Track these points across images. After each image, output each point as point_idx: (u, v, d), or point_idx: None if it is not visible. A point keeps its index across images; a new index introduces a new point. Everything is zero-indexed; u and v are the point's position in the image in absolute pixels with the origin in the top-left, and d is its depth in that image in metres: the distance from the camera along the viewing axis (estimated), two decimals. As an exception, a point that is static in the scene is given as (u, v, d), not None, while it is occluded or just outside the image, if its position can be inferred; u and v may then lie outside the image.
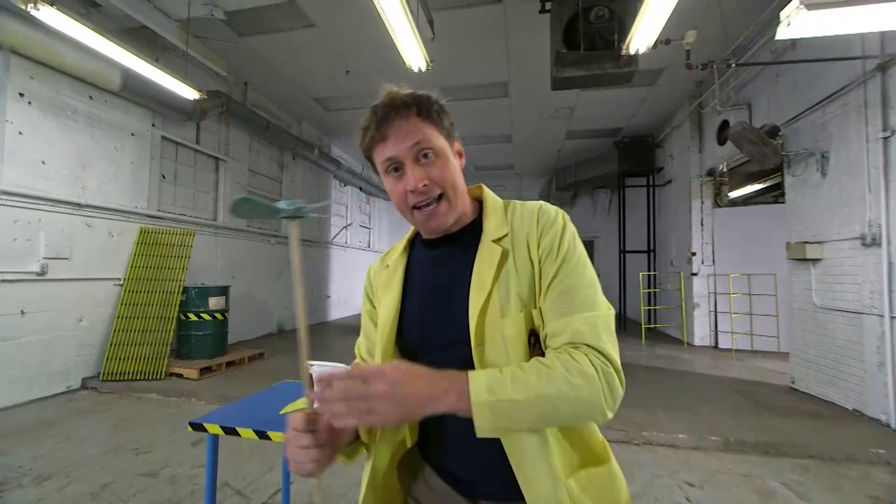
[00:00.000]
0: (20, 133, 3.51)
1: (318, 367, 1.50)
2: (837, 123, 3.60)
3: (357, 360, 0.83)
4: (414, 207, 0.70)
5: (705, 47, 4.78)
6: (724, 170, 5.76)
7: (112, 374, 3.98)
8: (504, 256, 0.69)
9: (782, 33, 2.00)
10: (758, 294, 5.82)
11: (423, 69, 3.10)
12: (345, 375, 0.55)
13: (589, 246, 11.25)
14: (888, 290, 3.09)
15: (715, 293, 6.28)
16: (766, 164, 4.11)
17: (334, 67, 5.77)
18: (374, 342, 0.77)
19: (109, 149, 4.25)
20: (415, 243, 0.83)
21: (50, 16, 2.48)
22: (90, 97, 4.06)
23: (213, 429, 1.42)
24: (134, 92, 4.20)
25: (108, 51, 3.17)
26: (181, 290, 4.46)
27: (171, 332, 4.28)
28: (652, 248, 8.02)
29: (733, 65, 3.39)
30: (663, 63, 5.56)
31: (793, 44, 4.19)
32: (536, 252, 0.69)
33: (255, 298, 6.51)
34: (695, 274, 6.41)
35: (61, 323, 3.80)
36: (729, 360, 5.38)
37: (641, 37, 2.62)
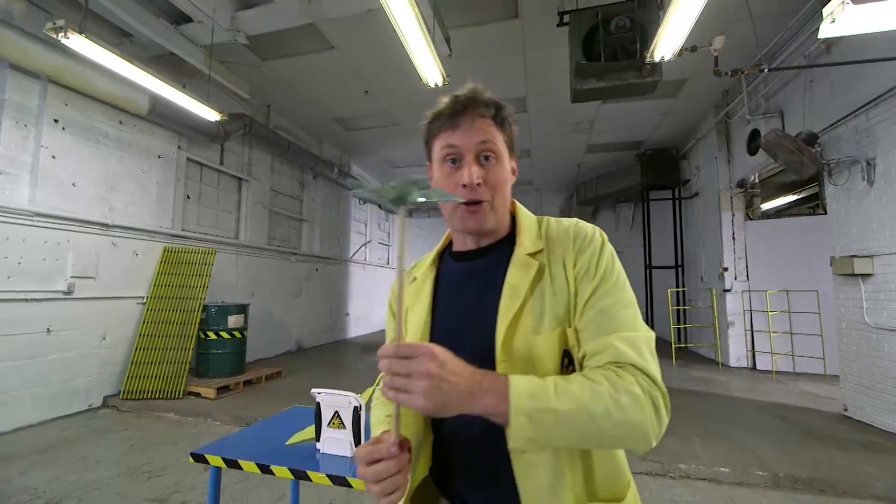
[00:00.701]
0: (53, 157, 3.65)
1: (325, 395, 1.37)
2: (885, 128, 3.36)
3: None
4: (460, 202, 0.69)
5: (731, 55, 4.62)
6: (756, 180, 5.49)
7: (132, 392, 3.99)
8: (540, 271, 0.67)
9: (826, 31, 1.86)
10: (798, 312, 5.44)
11: (440, 84, 3.08)
12: (392, 351, 0.53)
13: (612, 261, 10.92)
14: (954, 308, 2.79)
15: (750, 311, 5.92)
16: (803, 174, 3.87)
17: (353, 88, 5.86)
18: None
19: (137, 171, 4.38)
20: (444, 257, 0.81)
21: (79, 44, 2.58)
22: (120, 122, 4.21)
23: (215, 460, 1.33)
24: (161, 116, 4.34)
25: (137, 77, 3.29)
26: (201, 308, 4.49)
27: (191, 351, 4.28)
28: (680, 263, 7.69)
29: (766, 70, 3.22)
30: (686, 73, 5.41)
31: (827, 47, 3.99)
32: (573, 270, 0.66)
33: (273, 316, 6.53)
34: (727, 290, 6.07)
35: (85, 341, 3.86)
36: (769, 383, 5.00)
37: (666, 44, 2.51)
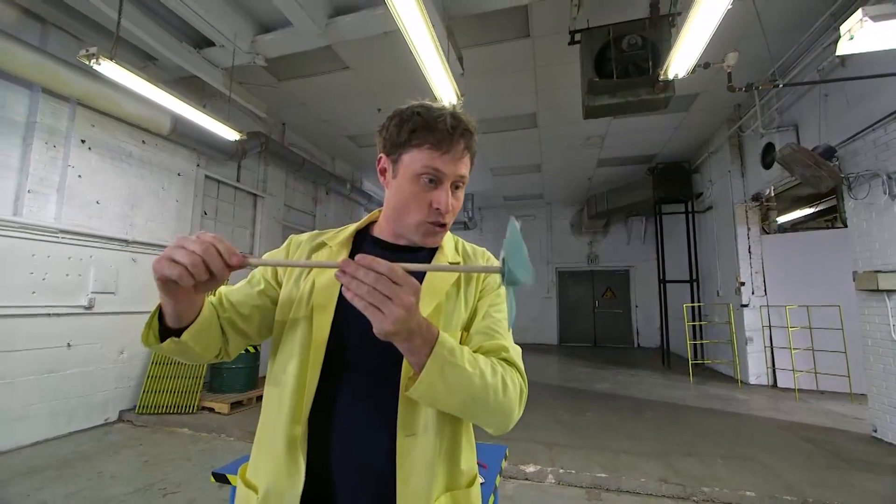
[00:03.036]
0: (79, 176, 3.77)
1: None
2: (903, 142, 3.31)
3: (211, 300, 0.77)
4: (429, 221, 0.74)
5: (745, 70, 4.63)
6: (772, 194, 5.42)
7: (147, 407, 4.02)
8: (457, 280, 0.76)
9: (844, 48, 1.86)
10: (820, 328, 5.30)
11: (454, 103, 3.14)
12: (386, 269, 0.54)
13: (624, 276, 10.81)
14: None
15: (770, 326, 5.77)
16: (822, 188, 3.82)
17: (366, 106, 5.98)
18: (311, 337, 0.71)
19: (157, 188, 4.50)
20: (363, 239, 0.83)
21: (110, 69, 2.69)
22: (143, 141, 4.34)
23: (236, 480, 1.33)
24: (182, 135, 4.48)
25: (161, 100, 3.40)
26: (216, 323, 4.52)
27: (205, 366, 4.31)
28: (695, 277, 7.57)
29: (780, 85, 3.22)
30: (699, 88, 5.42)
31: (842, 61, 3.98)
32: (480, 286, 0.78)
33: (286, 331, 6.56)
34: (745, 305, 5.95)
35: (104, 355, 3.91)
36: (792, 402, 4.85)
37: (680, 61, 2.53)
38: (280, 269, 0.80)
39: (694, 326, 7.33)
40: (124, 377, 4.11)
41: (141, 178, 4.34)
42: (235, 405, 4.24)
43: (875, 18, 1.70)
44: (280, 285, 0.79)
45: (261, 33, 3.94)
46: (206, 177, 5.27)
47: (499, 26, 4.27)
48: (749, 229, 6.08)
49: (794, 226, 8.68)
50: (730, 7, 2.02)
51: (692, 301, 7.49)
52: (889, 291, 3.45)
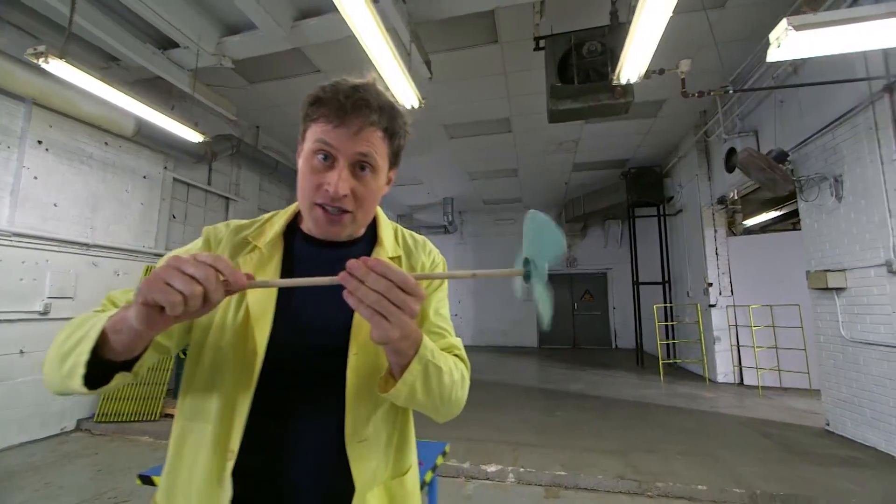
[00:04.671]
0: (35, 178, 3.67)
1: None
2: (849, 146, 3.47)
3: (105, 303, 0.67)
4: (317, 203, 0.65)
5: (707, 77, 4.79)
6: (735, 197, 5.60)
7: (107, 414, 3.91)
8: None
9: (773, 55, 1.95)
10: (783, 326, 5.47)
11: (416, 107, 3.16)
12: (400, 279, 0.50)
13: (602, 278, 10.98)
14: (923, 321, 2.83)
15: (736, 326, 5.94)
16: (777, 191, 3.97)
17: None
18: (252, 341, 0.63)
19: (120, 191, 4.41)
20: (294, 234, 0.74)
21: (60, 68, 2.64)
22: (105, 143, 4.25)
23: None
24: (147, 137, 4.40)
25: (118, 100, 3.33)
26: (182, 328, 4.44)
27: (169, 372, 4.22)
28: (667, 279, 7.75)
29: (731, 91, 3.34)
30: (664, 94, 5.57)
31: (795, 69, 4.15)
32: (427, 284, 0.75)
33: (260, 336, 6.46)
34: (712, 305, 6.10)
35: (60, 363, 3.79)
36: (755, 399, 4.98)
37: (631, 67, 2.61)
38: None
39: (666, 327, 7.49)
40: (83, 385, 3.98)
41: (102, 180, 4.24)
42: (200, 412, 4.15)
43: (798, 28, 1.79)
44: None
45: (226, 35, 3.91)
46: (175, 179, 5.18)
47: (467, 32, 4.33)
48: (716, 231, 6.26)
49: (764, 228, 8.96)
50: (671, 15, 2.10)
51: (664, 302, 7.66)
52: (838, 290, 3.59)
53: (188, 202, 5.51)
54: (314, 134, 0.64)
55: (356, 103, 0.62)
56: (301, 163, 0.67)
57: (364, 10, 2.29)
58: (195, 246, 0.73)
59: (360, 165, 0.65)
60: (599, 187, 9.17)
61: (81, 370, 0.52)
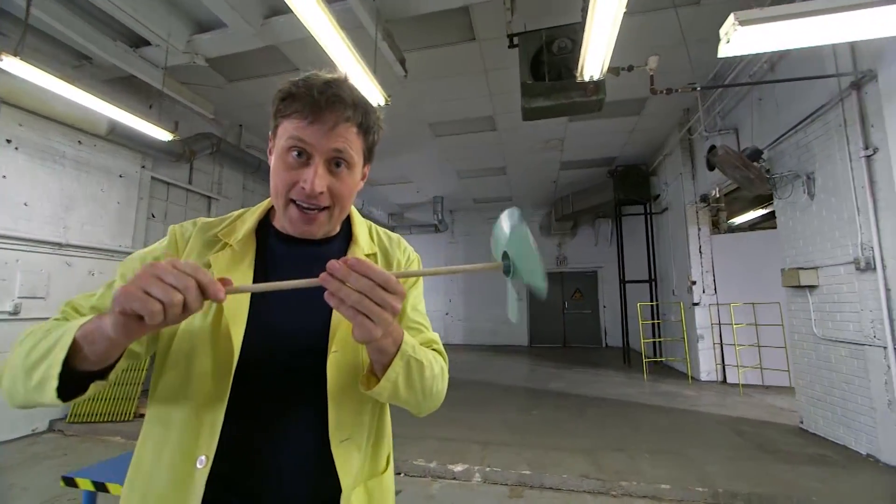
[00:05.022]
0: (4, 177, 3.64)
1: None
2: (820, 143, 3.46)
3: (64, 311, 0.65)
4: (292, 200, 0.64)
5: (686, 75, 4.77)
6: (717, 195, 5.58)
7: (80, 415, 3.89)
8: None
9: (723, 51, 1.93)
10: (765, 324, 5.47)
11: (382, 104, 3.15)
12: (382, 279, 0.50)
13: (592, 277, 10.97)
14: (888, 318, 2.82)
15: (719, 324, 5.93)
16: (752, 189, 3.96)
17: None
18: (220, 341, 0.62)
19: (95, 190, 4.38)
20: (266, 232, 0.72)
21: (14, 66, 2.61)
22: (79, 142, 4.23)
23: (85, 484, 1.30)
24: (122, 136, 4.37)
25: (81, 99, 3.30)
26: (158, 327, 4.42)
27: (144, 371, 4.20)
28: (653, 277, 7.74)
29: (698, 88, 3.33)
30: (646, 92, 5.54)
31: (772, 66, 4.14)
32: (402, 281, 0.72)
33: (244, 335, 6.44)
34: (696, 304, 6.10)
35: (32, 363, 3.77)
36: (736, 397, 4.98)
37: (592, 64, 2.59)
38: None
39: (653, 325, 7.49)
40: (56, 385, 3.96)
41: (76, 179, 4.22)
42: (176, 412, 4.14)
43: (743, 23, 1.77)
44: None
45: (197, 33, 3.88)
46: (154, 178, 5.16)
47: (443, 29, 4.31)
48: (700, 229, 6.25)
49: (753, 226, 8.95)
50: (625, 11, 2.09)
51: (650, 300, 7.66)
52: (810, 287, 3.58)
53: (168, 201, 5.49)
54: (287, 130, 0.63)
55: (330, 99, 0.61)
56: (274, 160, 0.66)
57: (317, 10, 2.27)
58: (160, 246, 0.71)
59: (336, 162, 0.64)
60: (588, 186, 9.16)
61: (54, 382, 0.50)
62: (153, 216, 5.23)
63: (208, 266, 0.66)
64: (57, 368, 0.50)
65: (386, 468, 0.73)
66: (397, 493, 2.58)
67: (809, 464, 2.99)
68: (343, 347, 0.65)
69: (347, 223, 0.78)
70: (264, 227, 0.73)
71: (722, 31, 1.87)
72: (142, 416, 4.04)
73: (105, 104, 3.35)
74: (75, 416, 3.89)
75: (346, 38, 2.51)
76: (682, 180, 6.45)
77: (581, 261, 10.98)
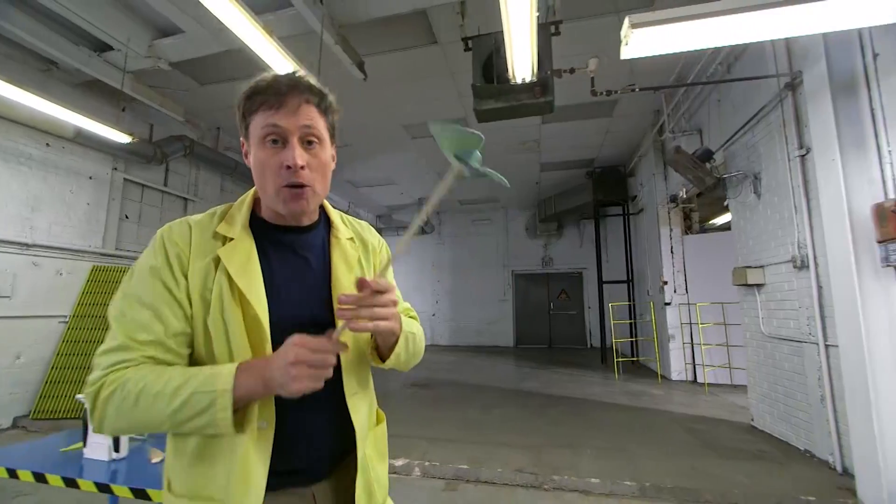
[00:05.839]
0: (-32, 178, 3.74)
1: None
2: (765, 144, 3.51)
3: (145, 345, 0.67)
4: (284, 184, 0.70)
5: (653, 76, 4.82)
6: (684, 195, 5.62)
7: (44, 412, 3.97)
8: (355, 251, 0.85)
9: (624, 53, 1.99)
10: (734, 324, 5.49)
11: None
12: (376, 284, 0.66)
13: (577, 278, 11.00)
14: (819, 315, 2.86)
15: (690, 324, 5.96)
16: (705, 189, 4.00)
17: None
18: (246, 323, 0.68)
19: (64, 192, 4.47)
20: (258, 225, 0.77)
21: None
22: (47, 144, 4.32)
23: (25, 475, 1.37)
24: (91, 139, 4.46)
25: (42, 107, 3.39)
26: (125, 326, 4.50)
27: (109, 369, 4.27)
28: (631, 277, 7.77)
29: (636, 89, 3.38)
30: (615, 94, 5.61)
31: (728, 67, 4.19)
32: (376, 259, 0.89)
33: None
34: (668, 304, 6.13)
35: (-4, 360, 3.86)
36: (700, 396, 5.01)
37: (520, 67, 2.66)
38: (182, 268, 0.70)
39: (631, 325, 7.52)
40: (21, 383, 4.05)
41: (44, 180, 4.31)
42: (139, 409, 4.21)
43: (635, 26, 1.83)
44: (187, 295, 0.69)
45: (158, 38, 3.97)
46: (126, 180, 5.25)
47: (403, 33, 4.38)
48: (671, 230, 6.28)
49: (728, 227, 8.98)
50: (537, 15, 2.15)
51: (628, 300, 7.69)
52: (758, 286, 3.62)
53: (143, 202, 5.58)
54: (259, 122, 0.69)
55: (289, 86, 0.69)
56: (253, 154, 0.71)
57: (245, 22, 2.35)
58: (151, 256, 0.71)
59: (308, 140, 0.71)
60: (569, 187, 9.21)
61: (227, 417, 0.61)
62: (126, 217, 5.32)
63: (218, 260, 0.71)
64: (224, 405, 0.60)
65: (380, 421, 0.88)
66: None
67: (746, 460, 3.02)
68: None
69: (324, 212, 0.86)
70: (255, 220, 0.78)
71: (622, 34, 1.93)
72: (105, 412, 4.11)
73: (63, 109, 3.45)
74: (39, 412, 3.97)
75: (279, 45, 2.59)
76: (655, 181, 6.50)
77: (566, 262, 11.01)
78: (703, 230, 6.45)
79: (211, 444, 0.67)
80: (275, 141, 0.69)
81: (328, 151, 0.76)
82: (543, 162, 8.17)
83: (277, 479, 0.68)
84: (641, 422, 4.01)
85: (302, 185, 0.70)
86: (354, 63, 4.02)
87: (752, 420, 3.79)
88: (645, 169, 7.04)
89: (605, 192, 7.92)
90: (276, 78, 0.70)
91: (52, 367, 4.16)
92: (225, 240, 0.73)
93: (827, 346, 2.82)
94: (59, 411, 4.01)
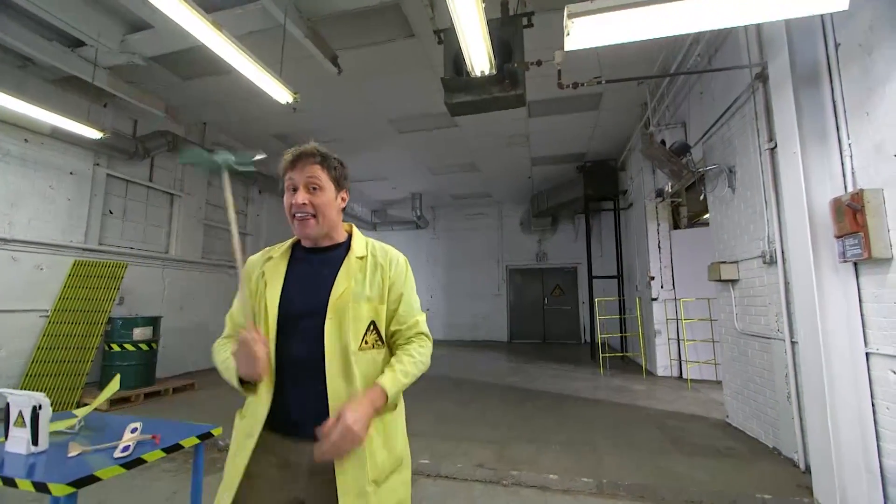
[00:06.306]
0: (-56, 174, 3.77)
1: (13, 396, 1.58)
2: (739, 136, 3.44)
3: (228, 328, 1.18)
4: (294, 215, 1.07)
5: (637, 66, 4.74)
6: (670, 190, 5.54)
7: (23, 405, 4.03)
8: (363, 268, 1.11)
9: (569, 44, 1.95)
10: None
11: (291, 101, 3.19)
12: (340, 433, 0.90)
13: (572, 273, 10.94)
14: (786, 311, 2.81)
15: (676, 319, 5.90)
16: (682, 182, 3.94)
17: (283, 107, 5.99)
18: (250, 311, 1.08)
19: (43, 187, 4.51)
20: (296, 248, 1.17)
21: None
22: (25, 140, 4.36)
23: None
24: (69, 134, 4.48)
25: (9, 103, 3.41)
26: (106, 321, 4.55)
27: (89, 363, 4.33)
28: (621, 273, 7.71)
29: (603, 81, 3.32)
30: (599, 87, 5.54)
31: (709, 59, 4.10)
32: (388, 276, 1.12)
33: (208, 328, 6.57)
34: (654, 299, 6.07)
35: (-25, 354, 3.92)
36: (682, 392, 4.97)
37: (476, 58, 2.61)
38: (250, 279, 1.14)
39: (620, 320, 7.47)
40: (2, 376, 4.11)
41: (23, 176, 4.35)
42: (119, 402, 4.27)
43: (572, 16, 1.79)
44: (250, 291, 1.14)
45: (130, 33, 3.97)
46: (110, 176, 5.28)
47: (379, 26, 4.33)
48: (659, 224, 6.21)
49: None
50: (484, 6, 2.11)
51: (618, 296, 7.63)
52: (732, 282, 3.57)
53: (127, 198, 5.61)
54: (285, 177, 1.08)
55: (302, 154, 1.07)
56: (285, 199, 1.09)
57: (197, 21, 2.33)
58: (242, 279, 1.12)
59: (312, 186, 1.06)
60: (561, 181, 9.13)
61: (238, 385, 1.05)
62: (111, 212, 5.36)
63: (263, 274, 1.12)
64: (236, 383, 1.04)
65: (397, 407, 1.11)
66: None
67: (712, 457, 2.99)
68: (335, 315, 1.02)
69: (350, 238, 1.17)
70: (299, 247, 1.17)
71: (564, 25, 1.89)
72: (84, 405, 4.16)
73: (32, 106, 3.46)
74: (18, 405, 4.02)
75: (228, 38, 2.57)
76: (643, 175, 6.42)
77: (561, 257, 10.95)
78: (692, 225, 6.36)
79: (251, 394, 1.07)
80: (294, 189, 1.06)
81: (330, 194, 1.09)
82: (534, 156, 8.10)
83: (280, 424, 1.01)
84: (615, 417, 3.98)
85: (305, 217, 1.05)
86: (327, 57, 3.99)
87: (727, 417, 3.75)
88: (634, 163, 6.95)
89: (596, 186, 7.84)
90: (297, 150, 1.07)
91: (33, 361, 4.22)
92: (270, 258, 1.14)
93: (793, 343, 2.77)
94: (39, 404, 4.07)
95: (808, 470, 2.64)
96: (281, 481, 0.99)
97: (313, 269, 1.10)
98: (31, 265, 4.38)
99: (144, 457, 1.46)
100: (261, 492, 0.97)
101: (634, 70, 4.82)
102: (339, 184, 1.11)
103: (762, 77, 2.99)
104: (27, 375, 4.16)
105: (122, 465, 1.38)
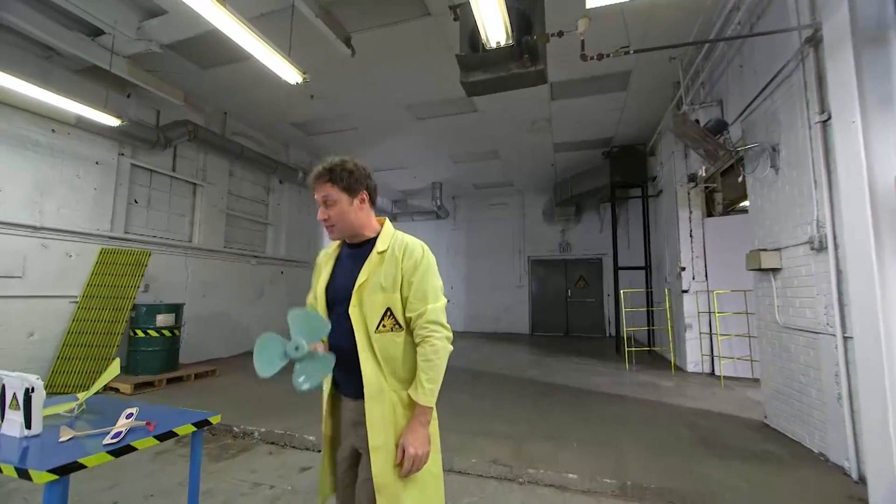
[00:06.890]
0: (-23, 164, 3.90)
1: (7, 378, 1.53)
2: (785, 111, 3.11)
3: (310, 302, 1.40)
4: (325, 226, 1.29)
5: (668, 37, 4.41)
6: (704, 174, 5.17)
7: (55, 387, 4.18)
8: (381, 261, 1.26)
9: (590, 2, 1.74)
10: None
11: (300, 81, 3.09)
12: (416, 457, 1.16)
13: (597, 264, 10.58)
14: (838, 303, 2.52)
15: (709, 312, 5.56)
16: (717, 163, 3.63)
17: (299, 92, 5.96)
18: (317, 295, 1.34)
19: (71, 176, 4.63)
20: (343, 244, 1.39)
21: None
22: (52, 130, 4.47)
23: None
24: (93, 124, 4.57)
25: (35, 93, 3.46)
26: (131, 307, 4.66)
27: (115, 348, 4.45)
28: (648, 264, 7.35)
29: (631, 52, 3.04)
30: (626, 66, 5.21)
31: (750, 28, 3.75)
32: (401, 265, 1.25)
33: (231, 317, 6.69)
34: (685, 291, 5.74)
35: (9, 338, 4.08)
36: (714, 389, 4.67)
37: (491, 29, 2.42)
38: (317, 269, 1.40)
39: (647, 313, 7.14)
40: (36, 358, 4.27)
41: (52, 166, 4.47)
42: (142, 386, 4.37)
43: (596, -33, 1.59)
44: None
45: (146, 18, 3.96)
46: (134, 166, 5.39)
47: (391, 6, 4.17)
48: (691, 212, 5.85)
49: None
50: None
51: (646, 287, 7.29)
52: (774, 271, 3.26)
53: (151, 187, 5.72)
54: (313, 196, 1.30)
55: (314, 175, 1.26)
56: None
57: (210, 5, 2.26)
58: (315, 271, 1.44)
59: (326, 203, 1.25)
60: (585, 168, 8.77)
61: None
62: (136, 202, 5.48)
63: (321, 266, 1.39)
64: None
65: (404, 402, 1.24)
66: (306, 469, 2.60)
67: (749, 461, 2.75)
68: (358, 302, 1.22)
69: (378, 234, 1.32)
70: (344, 243, 1.39)
71: (588, -20, 1.69)
72: (111, 389, 4.28)
73: (53, 94, 3.51)
74: (50, 387, 4.18)
75: (234, 16, 2.48)
76: (674, 159, 6.04)
77: (586, 248, 10.60)
78: (728, 212, 5.95)
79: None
80: (322, 204, 1.27)
81: (343, 205, 1.25)
82: (557, 142, 7.79)
83: (334, 383, 1.34)
84: (640, 415, 3.76)
85: (329, 226, 1.28)
86: (340, 38, 3.88)
87: (766, 417, 3.47)
88: (665, 147, 6.56)
89: (623, 173, 7.47)
90: (313, 172, 1.26)
91: (64, 345, 4.37)
92: (327, 255, 1.40)
93: (845, 339, 2.48)
94: (70, 386, 4.21)
95: (861, 480, 2.38)
96: (341, 427, 1.33)
97: (349, 262, 1.31)
98: (60, 252, 4.52)
99: (135, 444, 1.40)
100: (336, 429, 1.35)
101: (669, 39, 4.46)
102: (352, 191, 1.25)
103: (814, 41, 2.67)
104: (58, 359, 4.31)
105: (110, 453, 1.32)
